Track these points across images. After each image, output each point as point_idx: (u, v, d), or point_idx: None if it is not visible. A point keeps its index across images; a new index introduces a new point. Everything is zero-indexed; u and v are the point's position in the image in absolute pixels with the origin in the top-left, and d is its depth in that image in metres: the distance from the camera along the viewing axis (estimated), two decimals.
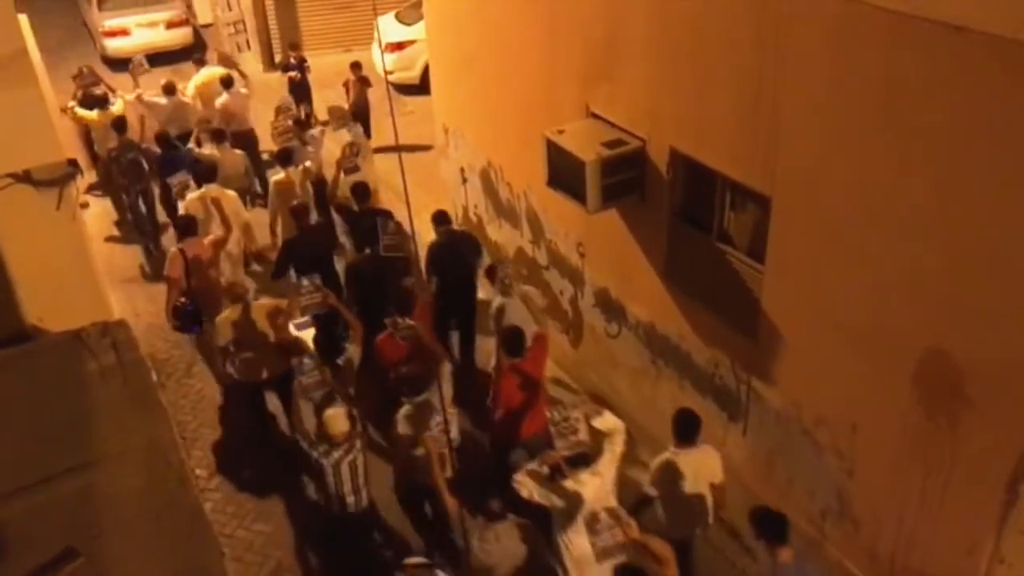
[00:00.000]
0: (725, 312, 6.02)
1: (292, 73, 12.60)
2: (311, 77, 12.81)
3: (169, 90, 11.24)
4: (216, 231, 8.41)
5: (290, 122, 10.34)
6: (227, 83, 11.22)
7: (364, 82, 11.91)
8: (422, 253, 7.73)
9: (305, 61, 12.78)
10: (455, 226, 8.88)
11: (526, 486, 5.18)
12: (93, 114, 10.83)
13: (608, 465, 5.19)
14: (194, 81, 11.89)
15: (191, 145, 10.54)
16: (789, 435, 5.72)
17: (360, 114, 11.43)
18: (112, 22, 16.29)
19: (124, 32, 16.30)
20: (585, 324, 7.86)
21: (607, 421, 5.30)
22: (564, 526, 5.13)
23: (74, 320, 5.36)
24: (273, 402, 7.41)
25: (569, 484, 5.11)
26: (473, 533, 5.23)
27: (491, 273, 7.24)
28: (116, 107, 10.90)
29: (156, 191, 10.33)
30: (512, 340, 6.14)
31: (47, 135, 6.11)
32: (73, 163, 6.47)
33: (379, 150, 11.06)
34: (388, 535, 6.41)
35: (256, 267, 9.53)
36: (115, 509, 4.16)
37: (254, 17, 15.99)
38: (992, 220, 4.08)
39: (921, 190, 4.37)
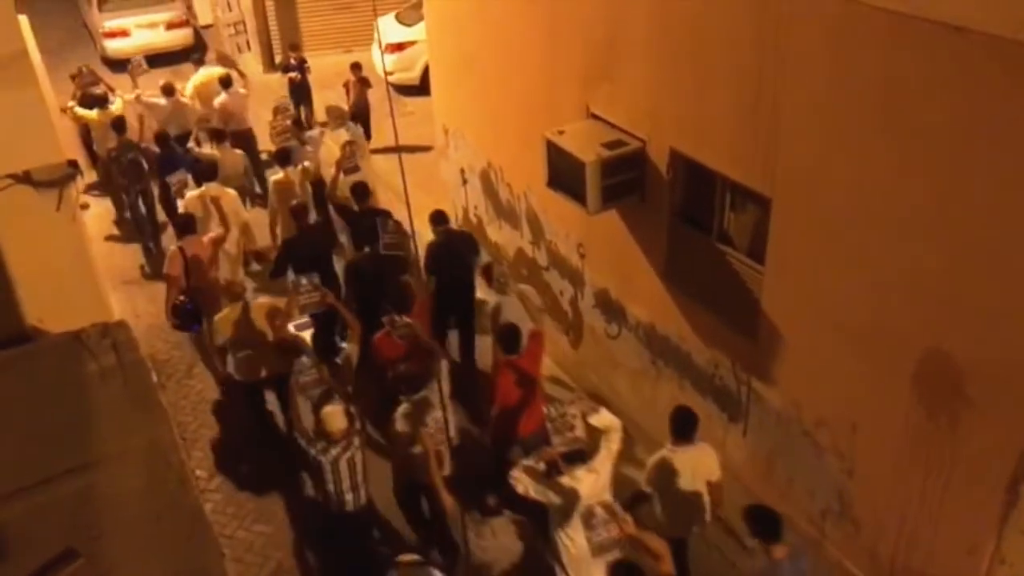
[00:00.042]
0: (725, 313, 6.02)
1: (292, 74, 12.61)
2: (311, 78, 12.81)
3: (168, 91, 11.22)
4: (215, 230, 8.42)
5: (288, 122, 10.34)
6: (225, 83, 11.21)
7: (364, 83, 11.91)
8: (422, 254, 7.73)
9: (305, 62, 12.77)
10: (454, 226, 8.87)
11: (522, 482, 5.17)
12: (93, 114, 10.82)
13: (604, 462, 5.18)
14: (192, 81, 11.89)
15: (191, 144, 10.54)
16: (789, 435, 5.72)
17: (360, 115, 11.44)
18: (112, 23, 16.27)
19: (124, 33, 16.28)
20: (585, 325, 7.85)
21: (603, 418, 5.28)
22: (560, 522, 5.13)
23: (74, 321, 5.35)
24: (272, 401, 7.39)
25: (565, 480, 5.10)
26: (470, 529, 5.22)
27: (487, 272, 7.26)
28: (115, 107, 10.89)
29: (155, 191, 10.33)
30: (508, 337, 6.15)
31: (47, 136, 6.12)
32: (73, 164, 6.48)
33: (379, 151, 11.07)
34: (387, 533, 6.41)
35: (255, 266, 9.53)
36: (115, 510, 4.15)
37: (254, 18, 15.97)
38: (992, 220, 4.09)
39: (921, 190, 4.37)
